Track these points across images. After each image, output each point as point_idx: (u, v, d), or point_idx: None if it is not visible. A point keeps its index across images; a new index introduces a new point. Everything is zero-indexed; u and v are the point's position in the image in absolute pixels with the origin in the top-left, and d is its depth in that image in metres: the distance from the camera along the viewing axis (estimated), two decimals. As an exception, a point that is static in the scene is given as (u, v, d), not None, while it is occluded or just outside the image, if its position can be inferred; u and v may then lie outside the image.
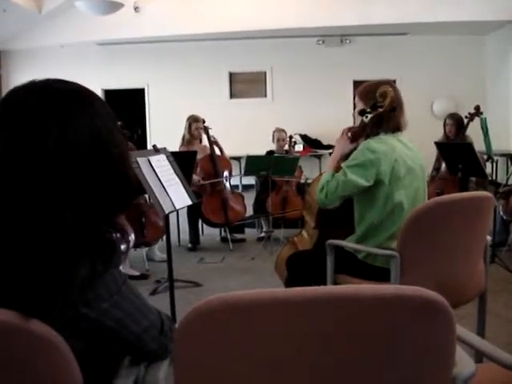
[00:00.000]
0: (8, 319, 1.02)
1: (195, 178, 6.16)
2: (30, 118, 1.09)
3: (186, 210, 6.01)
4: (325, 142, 11.29)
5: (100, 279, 1.13)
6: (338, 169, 2.80)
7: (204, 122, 6.53)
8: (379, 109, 2.72)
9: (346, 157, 2.83)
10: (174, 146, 6.16)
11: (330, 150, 10.39)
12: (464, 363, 1.16)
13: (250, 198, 6.98)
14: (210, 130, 6.51)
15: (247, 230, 6.90)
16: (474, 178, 5.63)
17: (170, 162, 3.81)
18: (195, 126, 6.50)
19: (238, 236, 6.75)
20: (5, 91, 1.15)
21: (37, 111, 1.10)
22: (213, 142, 6.47)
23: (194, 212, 6.20)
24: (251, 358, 1.03)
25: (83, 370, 1.10)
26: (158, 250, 5.83)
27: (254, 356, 1.03)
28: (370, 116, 2.74)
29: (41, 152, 1.08)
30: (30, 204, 1.08)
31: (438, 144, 5.69)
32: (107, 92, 11.42)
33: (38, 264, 1.06)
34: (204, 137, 6.61)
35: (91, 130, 1.15)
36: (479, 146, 5.28)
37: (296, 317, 1.00)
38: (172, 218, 4.11)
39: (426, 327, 1.01)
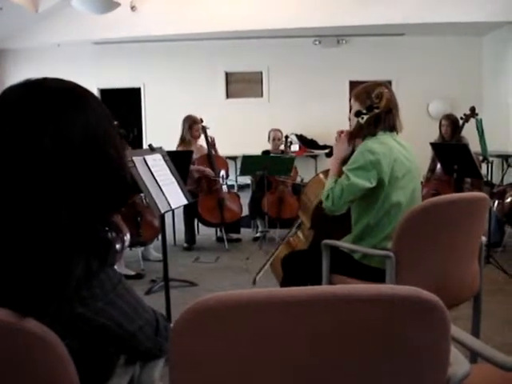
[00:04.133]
0: (3, 318, 1.02)
1: (195, 167, 6.19)
2: (25, 117, 1.09)
3: (181, 209, 6.01)
4: (321, 143, 11.31)
5: (95, 278, 1.12)
6: (339, 173, 2.81)
7: (202, 121, 6.53)
8: (375, 110, 2.73)
9: (345, 160, 2.83)
10: (170, 145, 6.15)
11: (326, 150, 10.39)
12: (459, 363, 1.16)
13: (245, 198, 6.98)
14: (208, 130, 6.51)
15: (243, 230, 6.89)
16: (469, 179, 5.65)
17: (165, 161, 3.80)
18: (196, 127, 6.47)
19: (234, 236, 6.75)
20: (0, 90, 1.15)
21: (32, 109, 1.10)
22: (211, 142, 6.48)
23: (190, 211, 6.20)
24: (247, 358, 1.03)
25: (79, 368, 1.10)
26: (154, 250, 5.83)
27: (249, 355, 1.03)
28: (365, 117, 2.74)
29: (36, 150, 1.08)
30: (26, 202, 1.08)
31: (433, 145, 5.70)
32: (103, 91, 11.40)
33: (32, 262, 1.06)
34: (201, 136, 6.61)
35: (87, 128, 1.15)
36: (474, 147, 5.30)
37: (292, 316, 1.00)
38: (168, 218, 4.11)
39: (420, 327, 1.01)
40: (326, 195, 2.78)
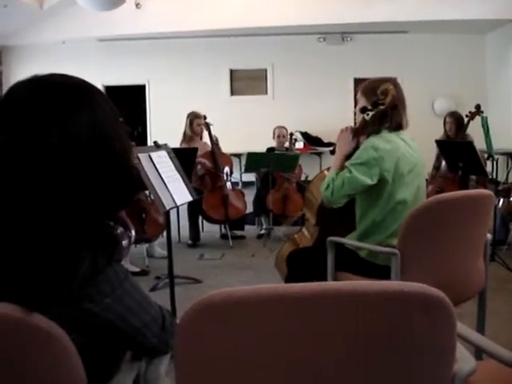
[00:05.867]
0: (10, 313, 1.02)
1: (201, 160, 6.19)
2: (32, 112, 1.10)
3: (186, 206, 6.01)
4: (325, 140, 11.28)
5: (102, 274, 1.13)
6: (342, 168, 2.80)
7: (205, 118, 6.53)
8: (380, 106, 2.72)
9: (348, 156, 2.83)
10: (175, 142, 6.17)
11: (331, 148, 10.34)
12: (464, 360, 1.16)
13: (250, 195, 6.98)
14: (211, 127, 6.51)
15: (247, 227, 6.89)
16: (474, 177, 5.63)
17: (170, 158, 3.81)
18: (197, 122, 6.50)
19: (238, 233, 6.75)
20: (6, 87, 1.16)
21: (40, 105, 1.11)
22: (214, 140, 6.48)
23: (194, 208, 6.21)
24: (252, 354, 1.03)
25: (85, 364, 1.10)
26: (158, 247, 5.83)
27: (255, 351, 1.03)
28: (371, 114, 2.74)
29: (43, 146, 1.09)
30: (33, 197, 1.08)
31: (438, 142, 5.69)
32: (108, 88, 11.38)
33: (40, 257, 1.06)
34: (205, 133, 6.61)
35: (93, 124, 1.15)
36: (479, 144, 5.28)
37: (297, 312, 1.00)
38: (172, 215, 4.11)
39: (427, 323, 1.01)
40: (326, 186, 2.77)
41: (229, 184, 6.57)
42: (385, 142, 2.69)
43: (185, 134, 6.59)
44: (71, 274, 1.07)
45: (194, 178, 5.89)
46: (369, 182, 2.65)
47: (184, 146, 6.43)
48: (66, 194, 1.11)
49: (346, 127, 2.95)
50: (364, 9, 9.59)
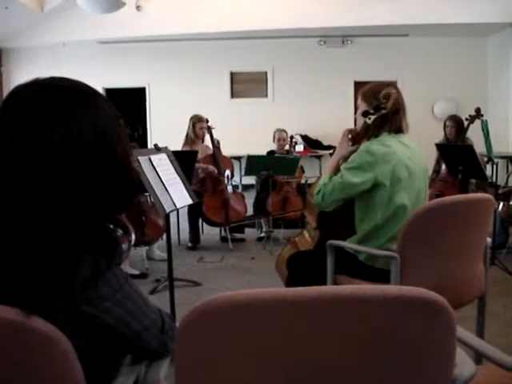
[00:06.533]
0: (9, 316, 1.02)
1: (201, 165, 6.19)
2: (34, 115, 1.10)
3: (186, 209, 6.01)
4: (325, 143, 11.30)
5: (102, 277, 1.13)
6: (337, 171, 2.80)
7: (207, 121, 6.55)
8: (382, 110, 2.72)
9: (346, 159, 2.83)
10: (175, 145, 6.16)
11: (331, 151, 10.39)
12: (464, 364, 1.16)
13: (250, 198, 6.98)
14: (212, 130, 6.52)
15: (247, 230, 6.90)
16: (474, 180, 5.63)
17: (171, 161, 3.80)
18: (199, 125, 6.51)
19: (238, 236, 6.75)
20: (6, 89, 1.17)
21: (41, 108, 1.11)
22: (216, 143, 6.49)
23: (194, 211, 6.21)
24: (253, 357, 1.03)
25: (85, 367, 1.10)
26: (158, 249, 5.83)
27: (255, 355, 1.03)
28: (373, 117, 2.73)
29: (45, 148, 1.09)
30: (34, 199, 1.08)
31: (438, 145, 5.68)
32: (108, 91, 11.39)
33: (40, 260, 1.06)
34: (206, 136, 6.62)
35: (95, 126, 1.16)
36: (479, 148, 5.28)
37: (297, 316, 1.00)
38: (172, 217, 4.11)
39: (426, 328, 1.01)
40: (318, 190, 2.79)
41: (229, 187, 6.57)
42: (381, 145, 2.68)
43: (187, 136, 6.60)
44: (71, 277, 1.07)
45: (194, 181, 5.89)
46: (359, 182, 2.65)
47: (186, 148, 6.45)
48: (67, 196, 1.11)
49: (347, 129, 2.96)
50: (364, 12, 9.61)
